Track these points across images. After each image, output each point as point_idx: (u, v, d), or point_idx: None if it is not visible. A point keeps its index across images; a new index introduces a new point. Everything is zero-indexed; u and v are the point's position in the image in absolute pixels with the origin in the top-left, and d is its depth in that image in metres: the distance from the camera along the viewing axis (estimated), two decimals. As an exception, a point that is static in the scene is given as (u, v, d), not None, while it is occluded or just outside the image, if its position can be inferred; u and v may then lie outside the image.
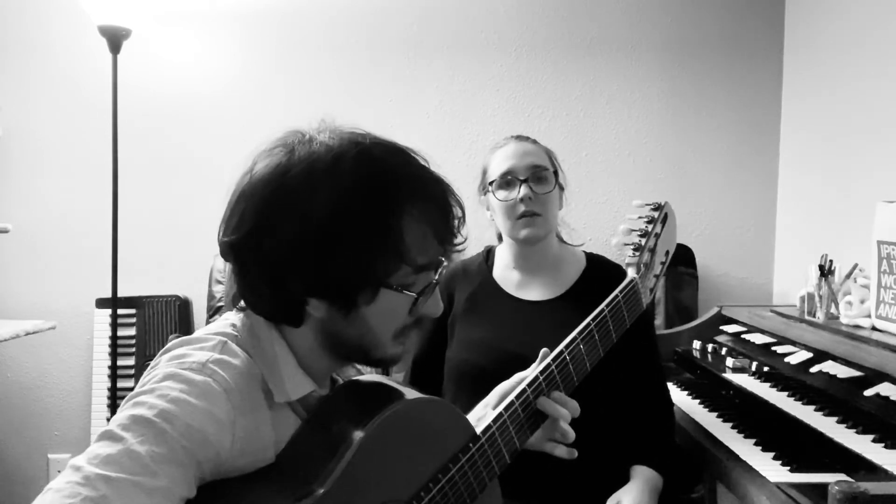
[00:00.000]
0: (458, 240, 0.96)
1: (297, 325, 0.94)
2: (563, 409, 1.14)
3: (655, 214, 1.43)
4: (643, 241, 1.40)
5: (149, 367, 0.90)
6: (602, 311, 1.28)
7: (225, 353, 0.89)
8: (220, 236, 0.94)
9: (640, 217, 1.43)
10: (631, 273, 1.37)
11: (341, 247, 0.88)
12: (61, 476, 0.77)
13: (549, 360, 1.19)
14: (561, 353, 1.20)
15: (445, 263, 0.97)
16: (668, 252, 1.46)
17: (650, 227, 1.41)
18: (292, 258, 0.88)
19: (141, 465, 0.77)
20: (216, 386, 0.85)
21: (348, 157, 0.89)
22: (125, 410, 0.82)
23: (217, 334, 0.93)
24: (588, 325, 1.25)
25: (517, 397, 1.12)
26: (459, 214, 0.96)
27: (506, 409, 1.10)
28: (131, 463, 0.77)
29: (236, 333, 0.94)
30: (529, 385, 1.14)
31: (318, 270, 0.88)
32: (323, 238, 0.87)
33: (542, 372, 1.17)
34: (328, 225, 0.87)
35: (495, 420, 1.07)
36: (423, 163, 0.95)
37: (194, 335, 0.94)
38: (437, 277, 0.96)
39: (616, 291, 1.31)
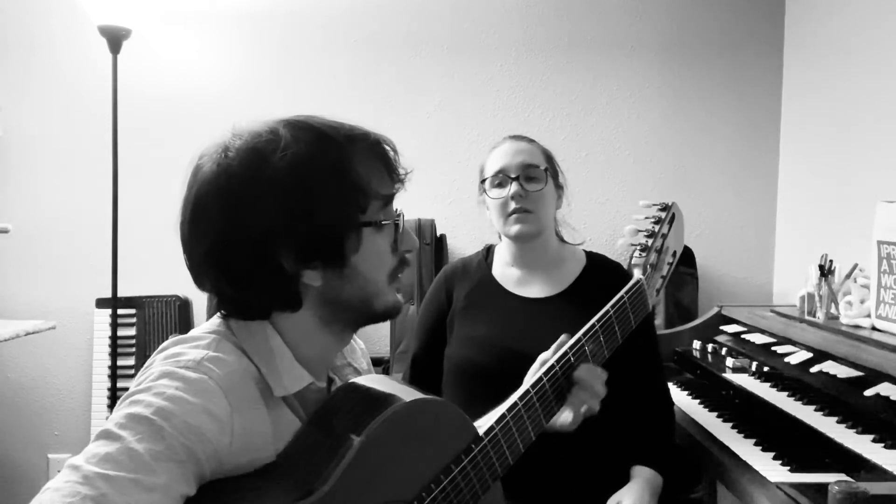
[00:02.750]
0: (402, 171, 1.00)
1: (298, 308, 0.94)
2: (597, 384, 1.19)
3: (662, 215, 1.42)
4: (650, 241, 1.39)
5: (144, 367, 0.90)
6: (607, 311, 1.27)
7: (220, 351, 0.90)
8: (189, 256, 0.94)
9: (646, 217, 1.42)
10: (637, 274, 1.36)
11: (313, 200, 0.90)
12: (60, 476, 0.77)
13: (553, 360, 1.19)
14: (566, 353, 1.20)
15: (401, 213, 1.01)
16: (675, 253, 1.45)
17: (657, 227, 1.40)
18: (275, 231, 0.89)
19: (139, 463, 0.77)
20: (212, 383, 0.85)
21: (280, 128, 0.92)
22: (122, 409, 0.82)
23: (211, 332, 0.93)
24: (593, 325, 1.25)
25: (520, 398, 1.12)
26: (394, 148, 1.00)
27: (509, 409, 1.09)
28: (130, 461, 0.77)
29: (230, 331, 0.94)
30: (533, 386, 1.14)
31: (303, 232, 0.90)
32: (294, 199, 0.89)
33: (546, 373, 1.16)
34: (293, 184, 0.89)
35: (498, 421, 1.07)
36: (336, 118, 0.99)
37: (189, 334, 0.94)
38: (400, 213, 1.00)
39: (622, 292, 1.30)
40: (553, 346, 1.24)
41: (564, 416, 1.22)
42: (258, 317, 0.95)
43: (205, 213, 0.91)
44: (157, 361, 0.89)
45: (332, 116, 0.98)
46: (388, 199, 0.98)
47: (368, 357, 1.21)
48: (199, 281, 0.95)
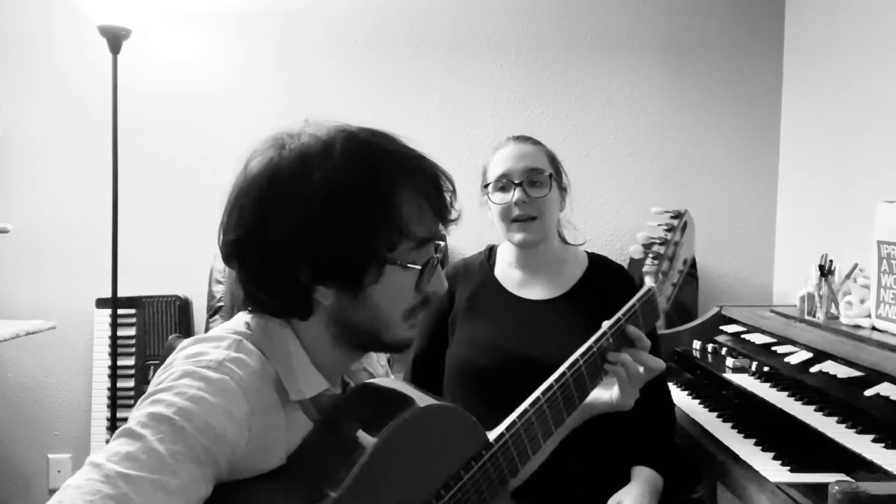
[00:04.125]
0: (453, 213, 0.98)
1: (307, 317, 0.95)
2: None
3: (675, 222, 1.41)
4: (662, 249, 1.38)
5: (164, 366, 0.90)
6: (619, 319, 1.26)
7: (241, 352, 0.90)
8: (221, 239, 0.95)
9: (659, 224, 1.41)
10: (649, 282, 1.35)
11: (342, 225, 0.89)
12: (80, 473, 0.76)
13: (568, 364, 1.18)
14: (577, 360, 1.19)
15: (443, 243, 0.99)
16: (685, 261, 1.44)
17: (670, 234, 1.39)
18: (297, 243, 0.90)
19: (160, 463, 0.77)
20: (233, 384, 0.85)
21: (337, 141, 0.91)
22: (143, 408, 0.82)
23: (233, 333, 0.93)
24: (604, 333, 1.24)
25: (531, 405, 1.11)
26: (451, 188, 0.98)
27: (519, 417, 1.09)
28: (151, 461, 0.77)
29: (251, 332, 0.94)
30: (543, 393, 1.14)
31: (323, 252, 0.90)
32: (323, 218, 0.89)
33: (556, 380, 1.16)
34: (327, 205, 0.89)
35: (508, 428, 1.07)
36: (407, 143, 0.97)
37: (210, 333, 0.94)
38: (438, 254, 0.98)
39: (634, 300, 1.29)
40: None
41: (616, 398, 1.30)
42: (273, 314, 0.96)
43: (241, 204, 0.92)
44: (179, 360, 0.88)
45: (400, 137, 0.95)
46: (425, 241, 0.95)
47: (385, 358, 1.21)
48: (227, 262, 0.97)
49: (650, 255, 1.37)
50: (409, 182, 0.93)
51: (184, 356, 0.89)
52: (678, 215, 1.42)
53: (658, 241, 1.39)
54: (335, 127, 0.94)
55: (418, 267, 0.94)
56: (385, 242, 0.91)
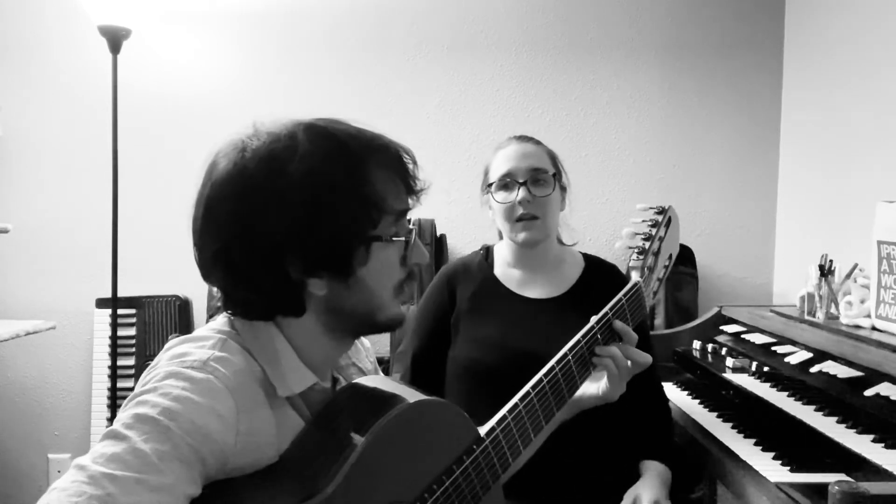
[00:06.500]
0: (421, 183, 1.00)
1: (301, 313, 0.95)
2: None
3: (659, 218, 1.43)
4: (647, 244, 1.40)
5: (149, 367, 0.90)
6: (606, 314, 1.28)
7: (225, 351, 0.90)
8: (199, 252, 0.94)
9: (643, 220, 1.42)
10: (635, 276, 1.37)
11: (325, 212, 0.90)
12: (66, 475, 0.77)
13: (556, 358, 1.20)
14: (565, 355, 1.21)
15: (413, 218, 1.01)
16: (671, 256, 1.46)
17: (654, 230, 1.41)
18: (284, 240, 0.89)
19: (146, 463, 0.77)
20: (218, 383, 0.85)
21: (299, 133, 0.92)
22: (128, 410, 0.82)
23: (217, 332, 0.94)
24: (592, 327, 1.26)
25: (521, 399, 1.12)
26: (414, 161, 1.00)
27: (509, 411, 1.10)
28: (136, 461, 0.77)
29: (236, 331, 0.95)
30: (533, 388, 1.14)
31: (311, 243, 0.90)
32: (306, 209, 0.89)
33: (546, 374, 1.17)
34: (306, 195, 0.89)
35: (499, 422, 1.07)
36: (362, 126, 0.98)
37: (194, 334, 0.95)
38: (412, 226, 1.00)
39: (620, 295, 1.31)
40: None
41: (604, 390, 1.32)
42: (262, 318, 0.95)
43: (217, 214, 0.91)
44: (163, 361, 0.89)
45: (353, 121, 0.97)
46: (402, 213, 0.97)
47: (374, 356, 1.21)
48: (207, 277, 0.96)
49: (635, 251, 1.38)
50: (378, 159, 0.94)
51: (168, 357, 0.89)
52: (662, 211, 1.44)
53: (643, 236, 1.40)
54: (290, 122, 0.94)
55: (402, 238, 0.97)
56: (368, 221, 0.93)
